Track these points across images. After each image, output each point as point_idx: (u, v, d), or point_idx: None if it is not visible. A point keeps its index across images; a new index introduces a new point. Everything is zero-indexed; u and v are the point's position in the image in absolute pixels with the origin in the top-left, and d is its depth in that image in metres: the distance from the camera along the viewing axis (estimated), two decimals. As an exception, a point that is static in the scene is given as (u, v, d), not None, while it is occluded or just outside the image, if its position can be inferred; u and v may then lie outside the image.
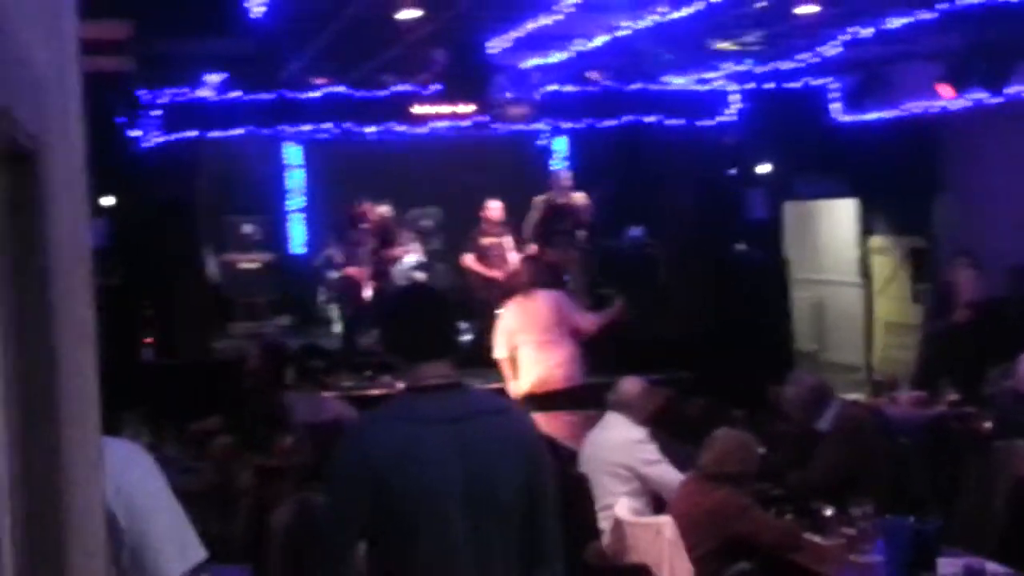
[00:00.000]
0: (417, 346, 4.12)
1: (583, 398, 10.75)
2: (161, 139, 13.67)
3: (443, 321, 4.18)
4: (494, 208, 14.81)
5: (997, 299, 14.64)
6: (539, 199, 14.97)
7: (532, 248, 14.56)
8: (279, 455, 8.65)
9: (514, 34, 12.66)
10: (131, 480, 3.27)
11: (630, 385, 8.37)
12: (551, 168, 17.45)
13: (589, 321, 11.89)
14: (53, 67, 2.09)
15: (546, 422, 9.07)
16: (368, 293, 14.41)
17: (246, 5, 10.13)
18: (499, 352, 11.28)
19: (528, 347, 11.20)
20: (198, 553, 3.31)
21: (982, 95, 14.27)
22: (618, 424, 8.11)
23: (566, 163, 18.03)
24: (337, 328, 15.73)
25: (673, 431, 8.79)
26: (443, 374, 4.05)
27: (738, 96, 16.06)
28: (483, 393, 4.15)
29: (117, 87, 12.50)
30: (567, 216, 14.96)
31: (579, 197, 15.02)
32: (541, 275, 12.20)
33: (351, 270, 14.63)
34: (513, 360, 11.25)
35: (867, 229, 17.90)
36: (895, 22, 12.76)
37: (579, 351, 11.58)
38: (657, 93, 15.78)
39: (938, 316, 14.84)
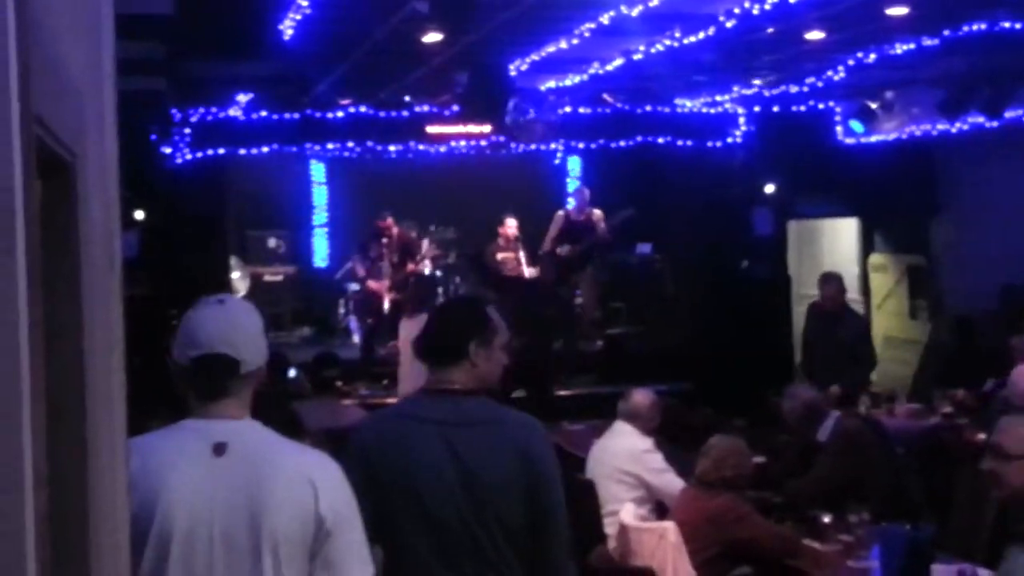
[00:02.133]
0: (431, 352, 4.14)
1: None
2: (191, 156, 13.70)
3: (461, 331, 4.16)
4: (511, 225, 14.86)
5: (990, 314, 14.62)
6: (559, 214, 15.03)
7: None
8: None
9: (533, 57, 12.67)
10: (333, 488, 3.28)
11: (640, 397, 8.38)
12: (567, 186, 17.51)
13: None
14: (90, 83, 2.10)
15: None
16: (388, 306, 14.43)
17: (277, 30, 10.15)
18: None
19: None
20: (370, 569, 3.31)
21: (981, 119, 14.27)
22: (626, 433, 8.12)
23: (579, 182, 18.07)
24: (356, 338, 15.75)
25: (677, 440, 8.80)
26: (450, 380, 4.07)
27: (745, 118, 16.09)
28: (486, 403, 4.14)
29: (149, 105, 12.54)
30: (584, 231, 15.01)
31: (596, 213, 15.05)
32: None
33: (372, 284, 14.65)
34: None
35: (867, 247, 17.91)
36: (899, 48, 12.75)
37: None
38: (668, 115, 15.81)
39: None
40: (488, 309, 4.27)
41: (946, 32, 12.12)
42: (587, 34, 11.57)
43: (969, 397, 11.11)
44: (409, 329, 11.41)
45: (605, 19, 11.05)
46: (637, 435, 8.08)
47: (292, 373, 10.99)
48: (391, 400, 13.49)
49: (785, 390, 8.94)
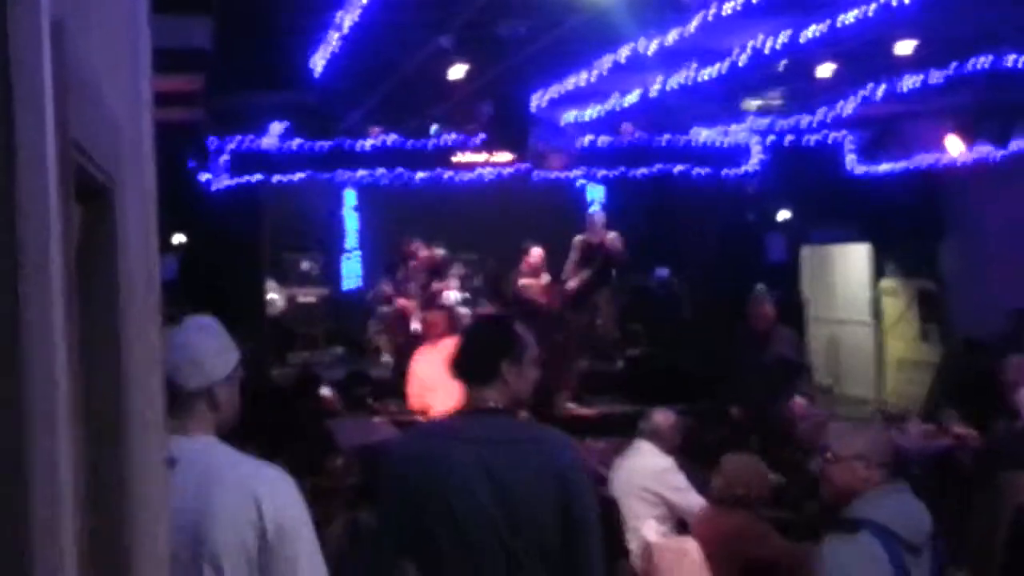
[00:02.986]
0: (465, 371, 4.09)
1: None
2: (228, 182, 13.72)
3: (491, 350, 4.10)
4: (535, 254, 14.78)
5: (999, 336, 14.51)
6: (578, 239, 14.98)
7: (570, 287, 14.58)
8: (330, 476, 8.58)
9: (555, 90, 12.67)
10: (280, 502, 3.29)
11: (662, 417, 8.31)
12: (587, 211, 17.47)
13: None
14: (128, 113, 2.07)
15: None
16: (416, 326, 14.37)
17: (309, 64, 10.18)
18: None
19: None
20: None
21: (987, 149, 14.21)
22: (648, 452, 8.05)
23: (600, 208, 18.04)
24: (386, 357, 15.70)
25: (694, 457, 8.72)
26: (485, 398, 4.01)
27: (760, 148, 16.08)
28: (521, 422, 4.07)
29: (188, 135, 12.58)
30: (601, 255, 14.94)
31: (612, 237, 14.98)
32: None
33: (401, 301, 14.60)
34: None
35: (878, 272, 17.84)
36: (908, 81, 12.72)
37: None
38: (685, 145, 15.81)
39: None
40: (516, 326, 4.21)
41: (953, 66, 12.09)
42: (606, 69, 11.56)
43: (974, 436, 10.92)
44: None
45: (623, 54, 11.05)
46: (658, 454, 8.00)
47: (325, 391, 10.95)
48: (420, 418, 13.48)
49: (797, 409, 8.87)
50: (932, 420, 11.99)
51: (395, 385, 14.29)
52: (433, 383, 10.56)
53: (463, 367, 4.11)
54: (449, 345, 11.06)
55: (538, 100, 13.02)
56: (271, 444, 9.62)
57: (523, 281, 14.80)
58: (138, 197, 2.09)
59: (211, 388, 3.41)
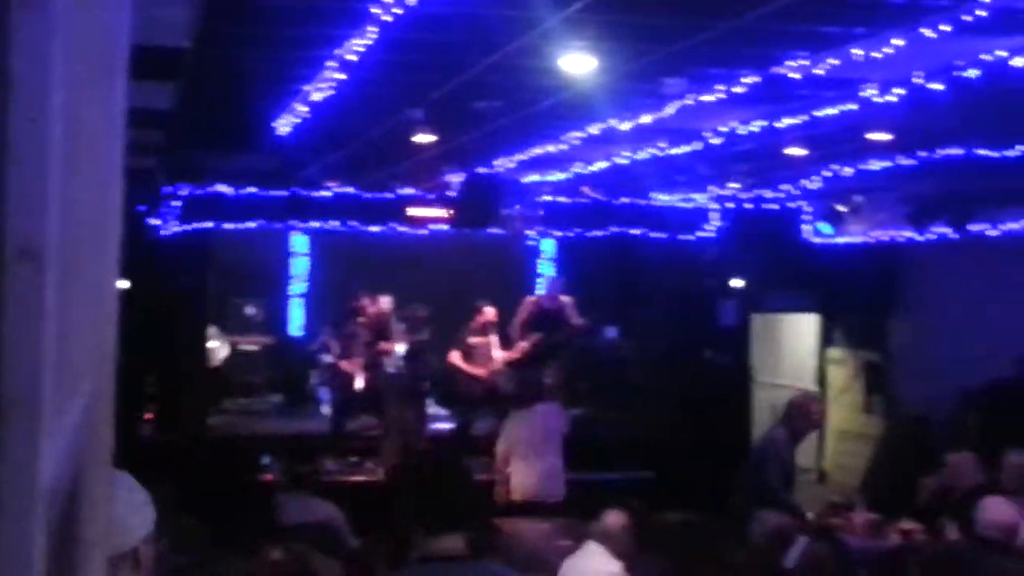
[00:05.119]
0: (427, 517, 3.88)
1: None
2: (178, 228, 13.37)
3: (455, 493, 3.90)
4: (488, 312, 14.59)
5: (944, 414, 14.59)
6: (528, 300, 14.81)
7: (520, 348, 14.37)
8: (267, 567, 8.26)
9: (519, 157, 12.48)
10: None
11: (613, 519, 8.07)
12: (539, 271, 17.35)
13: None
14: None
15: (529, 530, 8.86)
16: (360, 384, 14.10)
17: (273, 124, 9.90)
18: (499, 458, 11.03)
19: (520, 458, 10.93)
20: None
21: (945, 230, 14.25)
22: (597, 554, 7.82)
23: (554, 264, 17.90)
24: (326, 409, 15.40)
25: (645, 544, 8.53)
26: (452, 547, 3.80)
27: (718, 214, 15.98)
28: (493, 568, 3.88)
29: (143, 181, 12.24)
30: (553, 318, 14.78)
31: (568, 303, 14.86)
32: (534, 387, 11.89)
33: (344, 364, 14.30)
34: (506, 465, 11.00)
35: (827, 341, 17.85)
36: (875, 165, 12.69)
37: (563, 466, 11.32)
38: (643, 208, 15.66)
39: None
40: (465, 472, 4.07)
41: (922, 154, 12.06)
42: (576, 142, 11.41)
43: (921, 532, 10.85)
44: (517, 427, 11.05)
45: (595, 130, 10.90)
46: (607, 557, 7.77)
47: (265, 460, 10.68)
48: (359, 478, 13.22)
49: (756, 514, 8.71)
50: (874, 497, 11.97)
51: (334, 441, 14.07)
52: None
53: (427, 514, 3.90)
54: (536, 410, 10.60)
55: (503, 163, 12.83)
56: (211, 513, 9.37)
57: (473, 340, 14.59)
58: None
59: (136, 549, 3.14)
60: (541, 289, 16.38)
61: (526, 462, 10.94)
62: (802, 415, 9.77)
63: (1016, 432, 11.62)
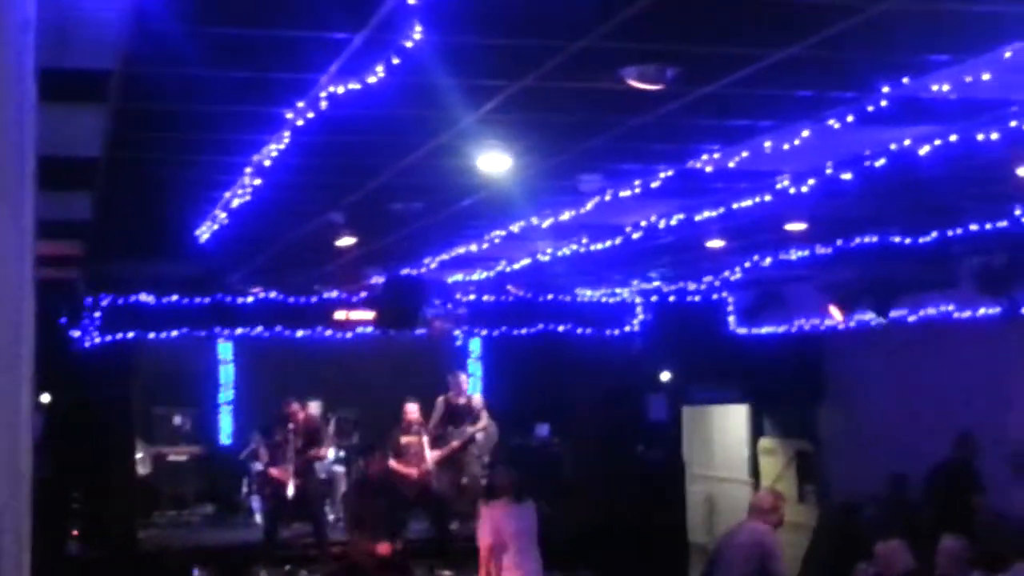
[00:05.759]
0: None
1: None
2: (101, 339, 13.24)
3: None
4: (412, 410, 14.65)
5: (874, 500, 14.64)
6: (441, 399, 14.93)
7: (451, 446, 14.43)
8: None
9: (443, 257, 12.51)
10: None
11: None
12: (468, 367, 17.38)
13: None
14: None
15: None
16: (291, 491, 13.92)
17: (194, 234, 9.87)
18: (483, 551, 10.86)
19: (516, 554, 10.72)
20: None
21: (868, 316, 14.41)
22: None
23: (480, 363, 17.94)
24: (258, 518, 15.19)
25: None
26: None
27: (643, 308, 16.14)
28: None
29: (63, 293, 12.14)
30: (465, 415, 14.89)
31: (476, 399, 15.09)
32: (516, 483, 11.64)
33: (274, 471, 14.13)
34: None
35: (757, 432, 17.94)
36: (794, 254, 12.84)
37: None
38: (569, 304, 15.80)
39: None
40: None
41: (839, 243, 12.23)
42: (497, 240, 11.47)
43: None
44: (506, 519, 10.78)
45: (515, 227, 10.96)
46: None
47: (196, 574, 10.50)
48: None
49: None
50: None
51: (267, 549, 13.87)
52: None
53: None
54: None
55: (427, 263, 12.86)
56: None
57: (404, 439, 14.55)
58: None
59: None
60: (473, 389, 16.42)
61: (520, 558, 10.71)
62: (772, 510, 9.75)
63: (955, 515, 11.73)
